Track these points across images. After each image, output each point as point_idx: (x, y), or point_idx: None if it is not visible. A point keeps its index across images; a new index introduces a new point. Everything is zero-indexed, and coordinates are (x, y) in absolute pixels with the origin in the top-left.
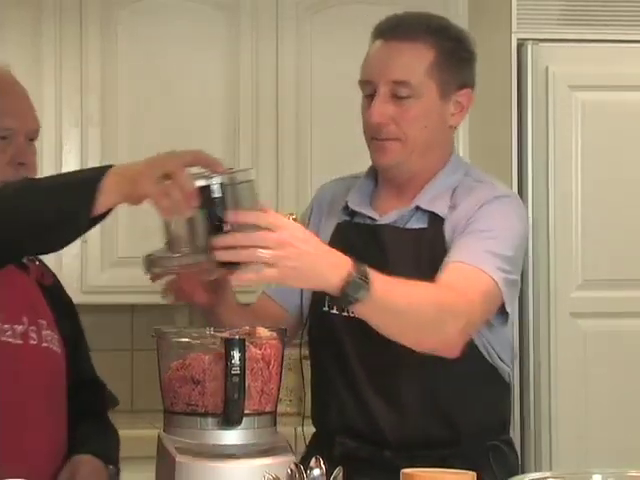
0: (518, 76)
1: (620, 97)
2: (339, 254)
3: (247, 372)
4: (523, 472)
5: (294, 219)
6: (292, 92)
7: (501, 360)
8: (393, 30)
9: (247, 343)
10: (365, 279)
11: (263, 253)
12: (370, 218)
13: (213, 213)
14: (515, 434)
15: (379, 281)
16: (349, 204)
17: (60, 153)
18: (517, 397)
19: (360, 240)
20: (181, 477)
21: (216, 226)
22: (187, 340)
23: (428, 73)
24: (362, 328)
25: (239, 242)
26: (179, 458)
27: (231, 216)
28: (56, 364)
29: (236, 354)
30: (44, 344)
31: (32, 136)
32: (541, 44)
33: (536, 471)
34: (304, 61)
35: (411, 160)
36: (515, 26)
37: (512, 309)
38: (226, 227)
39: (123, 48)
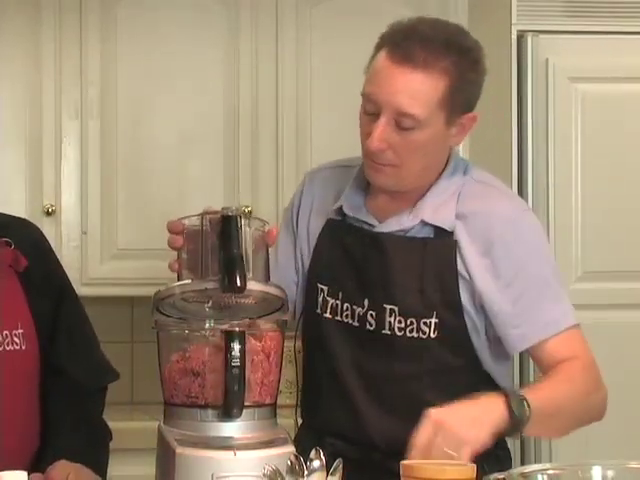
0: (518, 68)
1: (620, 89)
2: (488, 399)
3: (247, 364)
4: (523, 464)
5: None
6: (292, 84)
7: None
8: (407, 52)
9: (247, 335)
10: (522, 400)
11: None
12: (367, 224)
13: (228, 243)
14: None
15: (534, 396)
16: (344, 209)
17: (60, 145)
18: (517, 388)
19: (358, 245)
20: (181, 469)
21: (227, 258)
22: (187, 332)
23: (438, 104)
24: (356, 335)
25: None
26: (179, 450)
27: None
28: (9, 364)
29: (236, 346)
30: None
31: None
32: (541, 36)
33: (536, 462)
34: (304, 53)
35: (405, 182)
36: (515, 18)
37: None
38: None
39: (123, 40)
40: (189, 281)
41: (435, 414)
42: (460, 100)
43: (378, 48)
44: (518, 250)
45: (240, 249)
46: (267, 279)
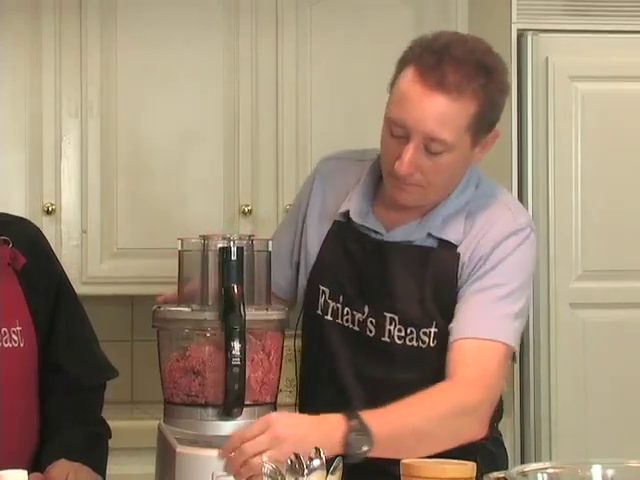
0: (518, 67)
1: (620, 87)
2: (329, 419)
3: (247, 363)
4: (523, 463)
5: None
6: (292, 84)
7: None
8: (440, 78)
9: (247, 334)
10: (364, 432)
11: (263, 460)
12: (374, 232)
13: (228, 275)
14: (515, 426)
15: (379, 423)
16: (351, 215)
17: (60, 144)
18: (517, 388)
19: (361, 251)
20: (181, 468)
21: (228, 288)
22: (187, 331)
23: (467, 128)
24: (356, 339)
25: (241, 458)
26: (179, 449)
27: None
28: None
29: (236, 345)
30: None
31: None
32: (541, 35)
33: (536, 461)
34: (304, 52)
35: (429, 199)
36: (515, 16)
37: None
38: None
39: (123, 40)
40: (188, 309)
41: (276, 426)
42: (486, 122)
43: (402, 65)
44: (494, 258)
45: (240, 291)
46: (269, 297)
